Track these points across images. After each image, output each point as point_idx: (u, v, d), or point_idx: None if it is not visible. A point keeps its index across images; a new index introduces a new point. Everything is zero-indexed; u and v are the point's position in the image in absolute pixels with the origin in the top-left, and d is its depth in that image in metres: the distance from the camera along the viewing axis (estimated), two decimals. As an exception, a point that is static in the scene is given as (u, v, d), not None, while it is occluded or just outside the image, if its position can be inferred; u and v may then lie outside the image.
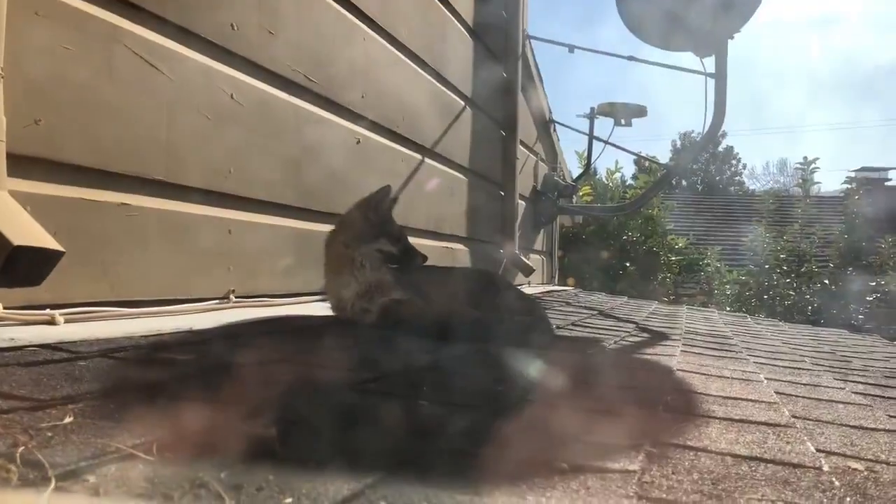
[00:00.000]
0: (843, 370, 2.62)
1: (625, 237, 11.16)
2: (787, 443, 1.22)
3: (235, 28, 2.26)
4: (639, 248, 11.15)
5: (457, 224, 4.30)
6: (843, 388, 2.05)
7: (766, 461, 1.09)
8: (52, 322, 1.58)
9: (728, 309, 10.25)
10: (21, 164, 1.58)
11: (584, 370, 1.98)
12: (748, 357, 2.61)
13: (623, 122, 6.82)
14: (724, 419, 1.38)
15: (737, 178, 48.76)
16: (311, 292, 2.66)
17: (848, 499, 0.94)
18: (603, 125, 6.93)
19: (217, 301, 2.22)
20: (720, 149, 45.79)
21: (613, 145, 6.81)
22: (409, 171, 3.56)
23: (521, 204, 5.49)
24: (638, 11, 4.85)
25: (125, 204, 1.89)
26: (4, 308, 1.53)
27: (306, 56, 2.64)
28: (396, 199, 2.43)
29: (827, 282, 11.45)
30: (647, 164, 12.46)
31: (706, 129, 5.12)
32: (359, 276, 2.22)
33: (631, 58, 5.56)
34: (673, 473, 0.98)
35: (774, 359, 2.69)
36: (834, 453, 1.19)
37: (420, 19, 3.69)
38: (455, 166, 4.22)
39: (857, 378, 2.39)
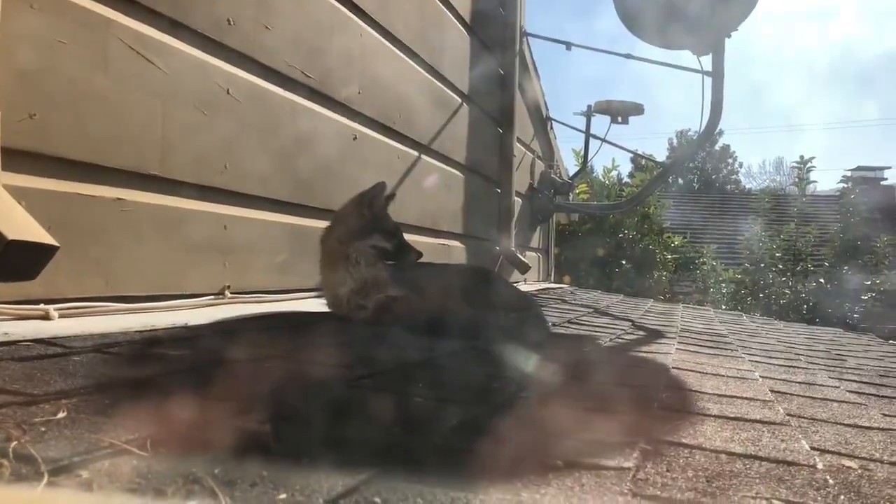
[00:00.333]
0: (838, 368, 2.62)
1: (621, 235, 11.17)
2: (782, 441, 1.22)
3: (231, 22, 2.25)
4: (635, 246, 11.16)
5: (453, 221, 4.30)
6: (838, 387, 2.06)
7: (761, 459, 1.09)
8: (46, 317, 1.57)
9: (724, 307, 10.27)
10: (15, 159, 1.58)
11: (579, 367, 1.98)
12: (743, 355, 2.62)
13: (620, 119, 6.81)
14: (719, 417, 1.39)
15: (733, 176, 48.84)
16: (307, 288, 2.65)
17: (842, 497, 0.94)
18: (600, 123, 6.93)
19: (212, 297, 2.22)
20: (717, 147, 45.85)
21: (610, 143, 6.82)
22: (406, 168, 3.56)
23: (518, 201, 5.49)
24: (635, 9, 4.85)
25: (120, 199, 1.88)
26: (-2, 302, 1.52)
27: (302, 51, 2.64)
28: (393, 196, 2.42)
29: (822, 280, 11.47)
30: (643, 161, 12.47)
31: (703, 127, 5.12)
32: (353, 272, 2.22)
33: (628, 55, 5.56)
34: (667, 471, 0.98)
35: (769, 357, 2.70)
36: (828, 451, 1.20)
37: (417, 15, 3.69)
38: (451, 163, 4.22)
39: (851, 376, 2.39)
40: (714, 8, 4.55)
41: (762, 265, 12.01)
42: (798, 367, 2.45)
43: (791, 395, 1.80)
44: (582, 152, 7.43)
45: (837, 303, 10.83)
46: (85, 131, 1.78)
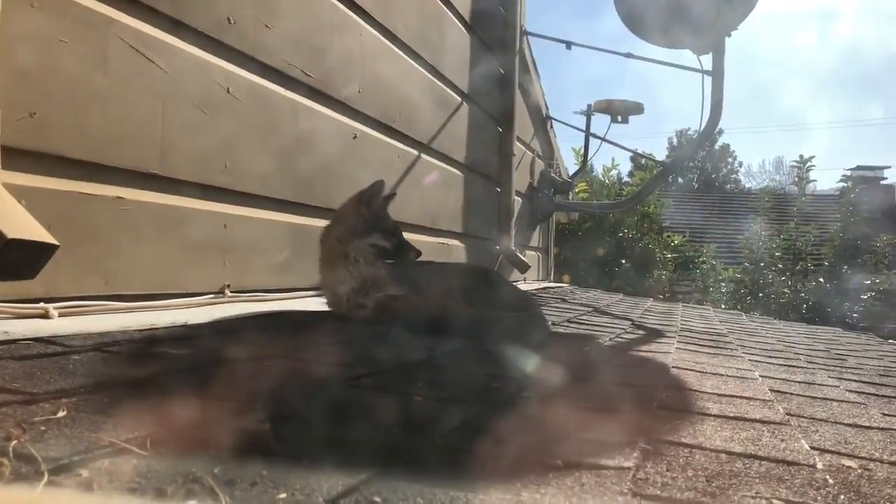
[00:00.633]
0: (838, 368, 2.62)
1: (621, 234, 11.17)
2: (782, 440, 1.22)
3: (232, 22, 2.25)
4: (634, 245, 11.16)
5: (452, 220, 4.30)
6: (838, 386, 2.06)
7: (761, 458, 1.09)
8: (45, 316, 1.57)
9: (723, 306, 10.27)
10: (16, 157, 1.58)
11: (579, 367, 1.98)
12: (743, 355, 2.62)
13: (620, 119, 6.81)
14: (719, 416, 1.39)
15: (733, 175, 48.84)
16: (307, 287, 2.65)
17: (842, 496, 0.94)
18: (600, 122, 6.93)
19: (212, 295, 2.22)
20: (716, 146, 45.86)
21: (610, 142, 6.82)
22: (406, 167, 3.56)
23: (518, 200, 5.49)
24: (635, 9, 4.84)
25: (120, 197, 1.88)
26: (-2, 301, 1.52)
27: (303, 50, 2.64)
28: (393, 195, 2.42)
29: (822, 280, 11.47)
30: (643, 161, 12.47)
31: (703, 126, 5.12)
32: (353, 270, 2.22)
33: (629, 55, 5.55)
34: (667, 470, 0.98)
35: (769, 356, 2.70)
36: (828, 451, 1.20)
37: (417, 14, 3.69)
38: (451, 162, 4.22)
39: (851, 376, 2.39)
40: (714, 7, 4.55)
41: (762, 264, 12.01)
42: (798, 367, 2.45)
43: (791, 394, 1.80)
44: (582, 151, 7.43)
45: (837, 302, 10.84)
46: (85, 130, 1.78)
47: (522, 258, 5.26)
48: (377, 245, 2.25)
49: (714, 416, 1.39)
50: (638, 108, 6.91)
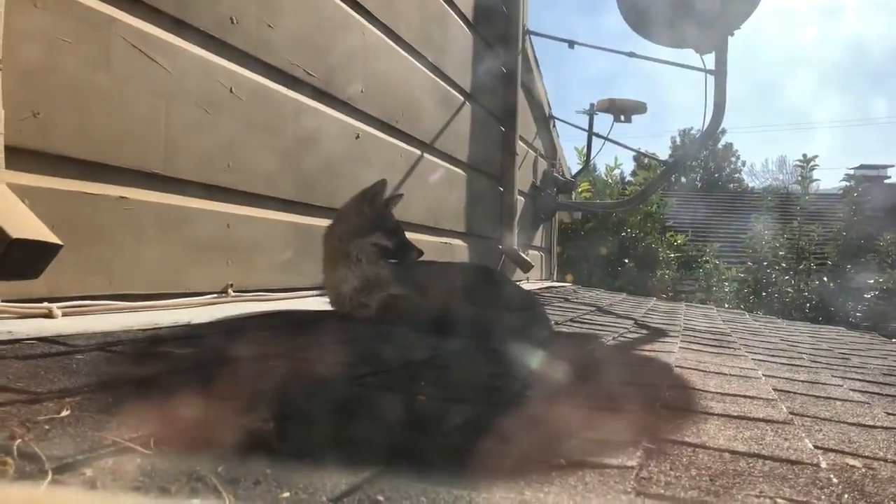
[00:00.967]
0: (842, 367, 2.62)
1: (624, 234, 11.17)
2: (785, 439, 1.22)
3: (234, 21, 2.25)
4: (637, 245, 11.15)
5: (455, 219, 4.30)
6: (842, 386, 2.05)
7: (764, 458, 1.09)
8: (49, 315, 1.57)
9: (726, 305, 10.26)
10: (19, 157, 1.58)
11: (582, 366, 1.98)
12: (746, 354, 2.61)
13: (623, 118, 6.81)
14: (723, 415, 1.38)
15: (736, 175, 48.79)
16: (310, 287, 2.66)
17: (846, 496, 0.94)
18: (602, 121, 6.93)
19: (215, 295, 2.22)
20: (719, 145, 45.81)
21: (613, 141, 6.82)
22: (408, 166, 3.56)
23: (520, 199, 5.49)
24: (638, 8, 4.84)
25: (123, 197, 1.88)
26: (2, 301, 1.53)
27: (305, 49, 2.64)
28: (401, 196, 2.43)
29: (826, 279, 11.46)
30: (646, 160, 12.46)
31: (706, 125, 5.11)
32: (355, 270, 2.22)
33: (631, 54, 5.54)
34: (671, 469, 0.98)
35: (773, 356, 2.69)
36: (832, 450, 1.19)
37: (420, 13, 3.69)
38: (454, 161, 4.22)
39: (855, 375, 2.39)
40: (717, 6, 4.54)
41: (765, 264, 12.00)
42: (801, 366, 2.45)
43: (794, 393, 1.80)
44: (584, 150, 7.44)
45: (841, 301, 10.82)
46: (88, 130, 1.78)
47: (525, 258, 5.26)
48: (378, 244, 2.25)
49: (717, 415, 1.39)
50: (641, 108, 6.91)
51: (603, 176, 12.39)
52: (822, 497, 0.92)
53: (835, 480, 1.00)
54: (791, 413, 1.49)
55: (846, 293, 10.97)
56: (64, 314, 1.61)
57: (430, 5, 3.88)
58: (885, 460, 1.16)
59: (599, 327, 3.11)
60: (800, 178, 13.22)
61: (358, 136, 3.03)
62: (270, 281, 2.52)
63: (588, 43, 5.99)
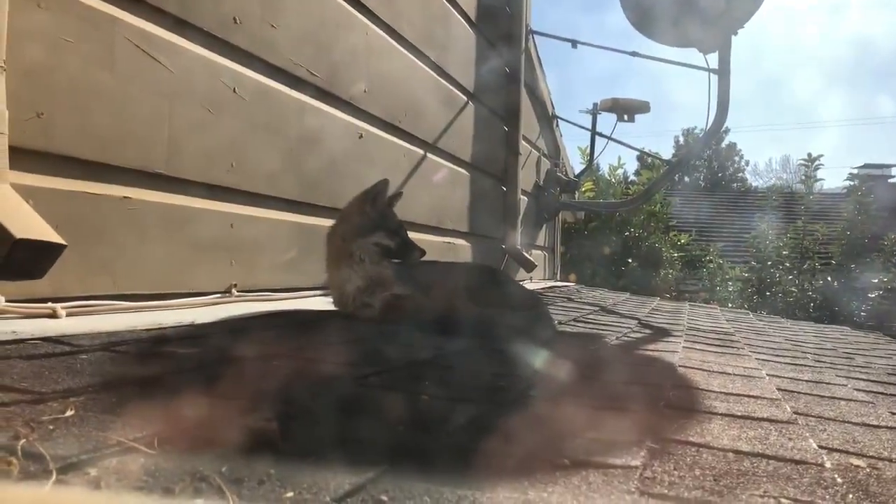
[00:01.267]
0: (846, 367, 2.61)
1: (627, 233, 11.16)
2: (790, 439, 1.22)
3: (237, 21, 2.26)
4: (641, 244, 11.14)
5: (458, 219, 4.30)
6: (846, 385, 2.05)
7: (769, 457, 1.08)
8: (53, 315, 1.58)
9: (730, 305, 10.24)
10: (23, 157, 1.58)
11: (586, 366, 1.98)
12: (750, 353, 2.61)
13: (626, 117, 6.81)
14: (727, 415, 1.38)
15: (739, 174, 48.73)
16: (314, 287, 2.66)
17: (850, 496, 0.94)
18: (606, 120, 6.93)
19: (219, 295, 2.22)
20: (723, 145, 45.74)
21: (616, 141, 6.80)
22: (411, 166, 3.56)
23: (524, 199, 5.48)
24: (641, 7, 4.83)
25: (126, 197, 1.89)
26: (6, 301, 1.53)
27: (308, 49, 2.64)
28: (400, 195, 2.43)
29: (830, 278, 11.43)
30: (649, 159, 12.44)
31: (709, 125, 5.10)
32: (358, 269, 2.22)
33: (634, 53, 5.53)
34: (675, 469, 0.98)
35: (777, 355, 2.69)
36: (836, 450, 1.19)
37: (423, 12, 3.68)
38: (457, 161, 4.22)
39: (859, 375, 2.38)
40: (720, 5, 4.54)
41: (769, 263, 11.98)
42: (805, 366, 2.44)
43: (798, 393, 1.79)
44: (588, 150, 7.44)
45: (845, 301, 10.79)
46: (91, 130, 1.78)
47: (528, 257, 5.25)
48: (380, 244, 2.25)
49: (721, 414, 1.38)
50: (644, 107, 6.90)
51: (606, 175, 12.39)
52: (827, 497, 0.92)
53: (839, 480, 1.00)
54: (795, 413, 1.48)
55: (850, 293, 10.95)
56: (68, 314, 1.62)
57: (433, 5, 3.88)
58: (890, 460, 1.16)
59: (603, 327, 3.11)
60: (804, 178, 13.19)
61: (361, 136, 3.03)
62: (274, 281, 2.52)
63: (591, 42, 5.98)
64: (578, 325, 3.09)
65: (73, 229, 1.66)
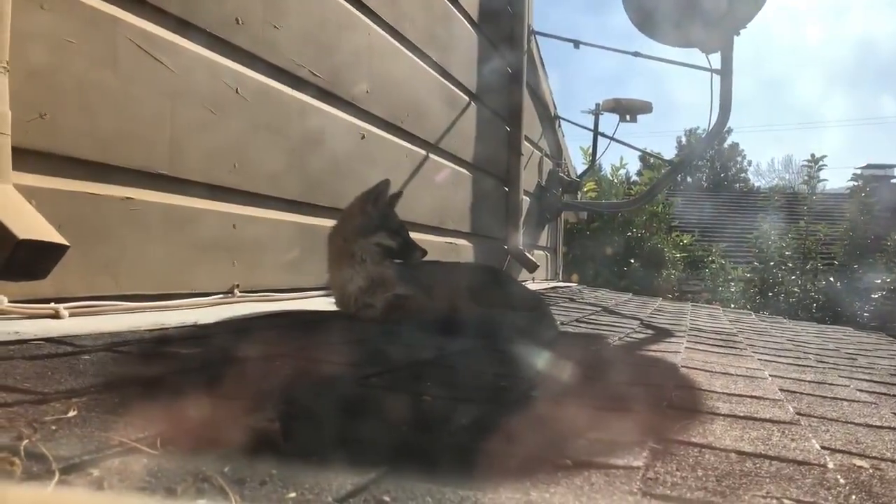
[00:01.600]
0: (849, 367, 2.61)
1: (629, 233, 11.15)
2: (792, 440, 1.22)
3: (240, 22, 2.26)
4: (643, 245, 11.13)
5: (461, 219, 4.30)
6: (849, 386, 2.05)
7: (771, 458, 1.08)
8: (56, 316, 1.58)
9: (733, 305, 10.23)
10: (26, 158, 1.58)
11: (588, 366, 1.98)
12: (753, 354, 2.61)
13: (628, 118, 6.79)
14: (729, 416, 1.38)
15: (742, 174, 48.66)
16: (316, 287, 2.66)
17: (853, 496, 0.94)
18: (608, 121, 6.92)
19: (221, 295, 2.22)
20: (725, 145, 45.69)
21: (618, 141, 6.80)
22: (414, 166, 3.56)
23: (526, 199, 5.48)
24: (643, 7, 4.83)
25: (129, 198, 1.89)
26: (9, 301, 1.53)
27: (311, 50, 2.64)
28: (400, 194, 2.43)
29: (832, 279, 11.41)
30: (651, 160, 12.44)
31: (711, 125, 5.09)
32: (360, 270, 2.22)
33: (636, 53, 5.53)
34: (677, 470, 0.98)
35: (779, 356, 2.68)
36: (839, 451, 1.19)
37: (425, 13, 3.68)
38: (459, 161, 4.22)
39: (862, 375, 2.38)
40: (723, 6, 4.53)
41: (772, 263, 11.95)
42: (808, 366, 2.44)
43: (801, 394, 1.79)
44: (590, 150, 7.43)
45: (847, 301, 10.77)
46: (94, 130, 1.78)
47: (531, 258, 5.25)
48: (382, 244, 2.25)
49: (724, 415, 1.38)
50: (646, 107, 6.89)
51: (608, 176, 12.38)
52: (830, 498, 0.92)
53: (842, 481, 1.00)
54: (798, 413, 1.48)
55: (853, 293, 10.92)
56: (71, 315, 1.62)
57: (436, 5, 3.88)
58: (893, 461, 1.16)
59: (605, 327, 3.11)
60: (807, 178, 13.17)
61: (363, 137, 3.03)
62: (276, 281, 2.52)
63: (593, 43, 5.99)
64: (581, 325, 3.09)
65: (76, 230, 1.66)
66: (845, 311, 10.50)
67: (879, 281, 10.90)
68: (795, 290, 11.34)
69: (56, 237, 1.51)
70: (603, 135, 6.92)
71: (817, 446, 1.20)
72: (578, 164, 8.28)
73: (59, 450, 0.78)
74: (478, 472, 0.91)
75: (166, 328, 1.70)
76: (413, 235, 2.36)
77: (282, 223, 2.55)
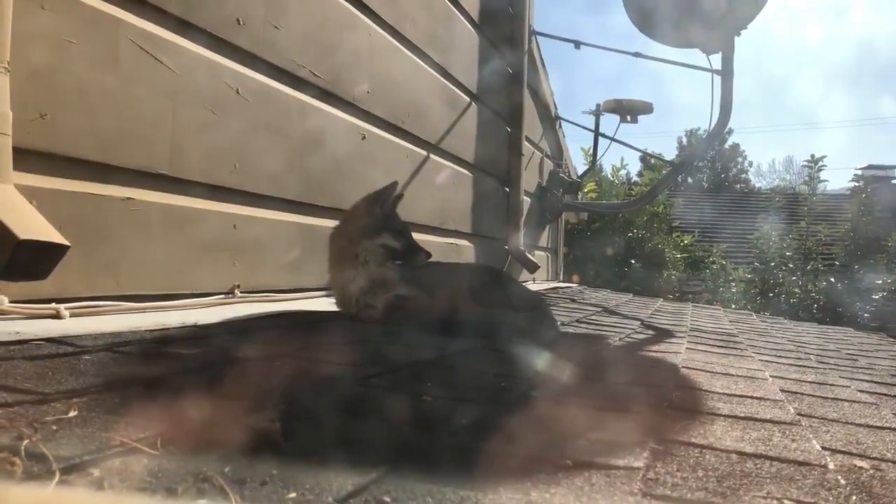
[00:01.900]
0: (849, 368, 2.61)
1: (630, 234, 11.15)
2: (793, 440, 1.22)
3: (241, 22, 2.26)
4: (644, 245, 11.13)
5: (461, 220, 4.30)
6: (849, 387, 2.05)
7: (772, 459, 1.08)
8: (57, 316, 1.58)
9: (733, 306, 10.22)
10: (27, 158, 1.59)
11: (588, 367, 1.98)
12: (754, 355, 2.61)
13: (629, 118, 6.79)
14: (730, 416, 1.38)
15: (742, 175, 48.64)
16: (317, 287, 2.66)
17: (854, 497, 0.94)
18: (609, 121, 6.92)
19: (222, 296, 2.22)
20: (726, 146, 45.66)
21: (619, 142, 6.80)
22: (414, 167, 3.56)
23: (527, 200, 5.48)
24: (644, 8, 4.83)
25: (130, 198, 1.89)
26: (10, 302, 1.53)
27: (311, 50, 2.64)
28: (401, 195, 2.43)
29: (833, 279, 11.40)
30: (652, 160, 12.43)
31: (712, 126, 5.09)
32: (362, 271, 2.22)
33: (637, 54, 5.53)
34: (678, 470, 0.98)
35: (780, 356, 2.68)
36: (839, 451, 1.19)
37: (426, 13, 3.69)
38: (460, 162, 4.22)
39: (862, 376, 2.38)
40: (723, 6, 4.53)
41: (772, 264, 11.95)
42: (809, 367, 2.44)
43: (802, 394, 1.79)
44: (591, 151, 7.43)
45: (848, 302, 10.76)
46: (95, 131, 1.78)
47: (531, 258, 5.25)
48: (387, 245, 2.25)
49: (724, 416, 1.38)
50: (647, 108, 6.89)
51: (609, 176, 12.39)
52: (830, 499, 0.92)
53: (843, 482, 1.00)
54: (798, 414, 1.48)
55: (854, 294, 10.92)
56: (71, 315, 1.62)
57: (436, 5, 3.88)
58: (894, 462, 1.16)
59: (606, 328, 3.11)
60: (807, 179, 13.16)
61: (364, 137, 3.03)
62: (277, 281, 2.52)
63: (594, 43, 5.99)
64: (581, 326, 3.09)
65: (77, 230, 1.66)
66: (846, 311, 10.50)
67: (880, 282, 10.89)
68: (796, 290, 11.33)
69: (57, 237, 1.52)
70: (604, 135, 6.93)
71: (818, 447, 1.20)
72: (579, 164, 8.29)
73: (60, 450, 0.78)
74: (478, 473, 0.91)
75: (167, 328, 1.70)
76: (414, 236, 2.36)
77: (282, 223, 2.55)
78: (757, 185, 46.17)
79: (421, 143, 3.62)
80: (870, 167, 22.01)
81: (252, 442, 0.90)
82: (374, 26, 3.09)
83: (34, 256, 1.47)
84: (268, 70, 2.41)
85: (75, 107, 1.73)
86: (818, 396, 1.79)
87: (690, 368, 2.02)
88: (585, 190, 9.19)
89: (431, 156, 3.75)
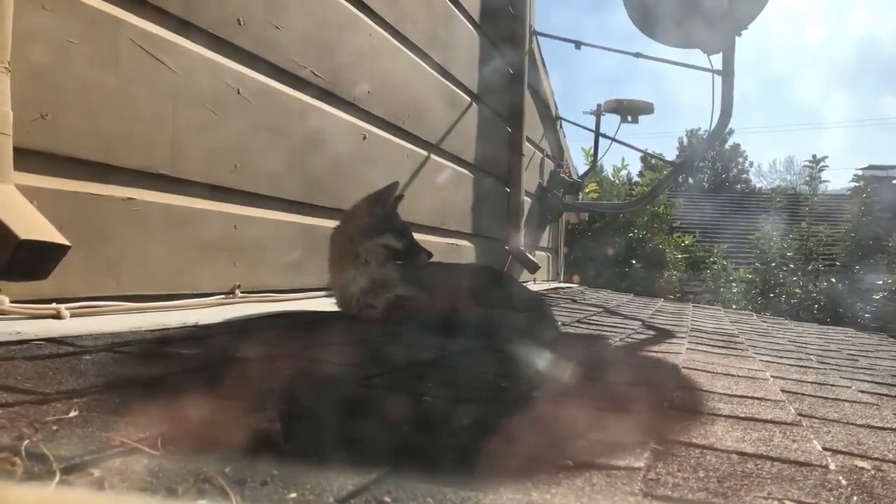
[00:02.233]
0: (850, 368, 2.61)
1: (631, 234, 11.13)
2: (794, 441, 1.22)
3: (241, 22, 2.26)
4: (645, 246, 11.12)
5: (462, 220, 4.30)
6: (850, 387, 2.04)
7: (773, 459, 1.08)
8: (57, 316, 1.58)
9: (734, 306, 10.21)
10: (28, 158, 1.59)
11: (589, 367, 1.98)
12: (754, 355, 2.60)
13: (630, 118, 6.79)
14: (730, 417, 1.38)
15: (743, 175, 48.61)
16: (317, 287, 2.66)
17: (855, 497, 0.93)
18: (610, 121, 6.91)
19: (223, 296, 2.22)
20: (727, 146, 45.64)
21: (620, 142, 6.79)
22: (415, 167, 3.56)
23: (527, 200, 5.48)
24: (645, 8, 4.82)
25: (130, 198, 1.89)
26: (10, 302, 1.53)
27: (312, 50, 2.64)
28: (402, 196, 2.43)
29: (834, 280, 11.39)
30: (653, 161, 12.44)
31: (713, 126, 5.09)
32: (363, 271, 2.22)
33: (638, 54, 5.53)
34: (678, 471, 0.97)
35: (780, 357, 2.68)
36: (840, 452, 1.19)
37: (426, 13, 3.69)
38: (460, 162, 4.22)
39: (863, 377, 2.38)
40: (724, 6, 4.53)
41: (773, 264, 11.94)
42: (809, 367, 2.44)
43: (802, 395, 1.79)
44: (591, 151, 7.42)
45: (849, 302, 10.75)
46: (95, 131, 1.78)
47: (532, 258, 5.25)
48: (388, 246, 2.25)
49: (725, 416, 1.38)
50: (648, 108, 6.89)
51: (610, 176, 12.37)
52: (831, 499, 0.92)
53: (843, 482, 1.00)
54: (799, 414, 1.48)
55: (855, 294, 10.90)
56: (72, 315, 1.62)
57: (437, 5, 3.88)
58: (895, 462, 1.15)
59: (607, 328, 3.11)
60: (808, 179, 13.15)
61: (365, 137, 3.03)
62: (277, 281, 2.52)
63: (595, 43, 5.98)
64: (582, 326, 3.09)
65: (77, 230, 1.66)
66: (847, 312, 10.48)
67: (881, 282, 10.88)
68: (797, 291, 11.32)
69: (57, 237, 1.52)
70: (604, 135, 6.92)
71: (819, 447, 1.19)
72: (580, 164, 8.28)
73: (60, 450, 0.78)
74: (479, 473, 0.91)
75: (167, 328, 1.70)
76: (415, 236, 2.36)
77: (283, 223, 2.55)
78: (758, 185, 46.16)
79: (421, 143, 3.62)
80: (871, 167, 21.99)
81: (252, 442, 0.90)
82: (375, 26, 3.09)
83: (35, 256, 1.47)
84: (268, 70, 2.42)
85: (76, 107, 1.73)
86: (819, 397, 1.79)
87: (691, 369, 2.02)
88: (586, 190, 9.19)
89: (432, 156, 3.75)
